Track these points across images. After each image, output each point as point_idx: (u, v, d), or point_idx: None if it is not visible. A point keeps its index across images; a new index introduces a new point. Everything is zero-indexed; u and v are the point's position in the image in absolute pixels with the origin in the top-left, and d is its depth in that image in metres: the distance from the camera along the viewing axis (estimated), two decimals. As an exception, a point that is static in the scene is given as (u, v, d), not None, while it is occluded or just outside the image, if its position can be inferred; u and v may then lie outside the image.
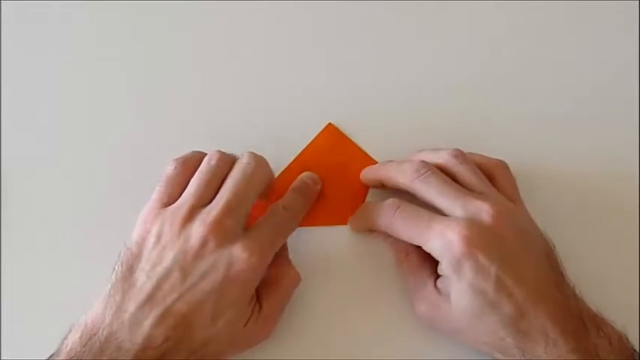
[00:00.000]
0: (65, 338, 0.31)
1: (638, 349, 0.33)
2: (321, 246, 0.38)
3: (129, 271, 0.32)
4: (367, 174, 0.39)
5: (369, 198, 0.39)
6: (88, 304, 0.32)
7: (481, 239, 0.32)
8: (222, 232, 0.32)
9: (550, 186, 0.40)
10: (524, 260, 0.33)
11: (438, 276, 0.34)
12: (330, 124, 0.40)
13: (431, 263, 0.35)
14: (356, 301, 0.37)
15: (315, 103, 0.42)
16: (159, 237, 0.33)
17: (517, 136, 0.41)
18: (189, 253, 0.32)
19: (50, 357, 0.31)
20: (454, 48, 0.45)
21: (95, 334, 0.31)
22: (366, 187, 0.39)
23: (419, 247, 0.35)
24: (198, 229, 0.32)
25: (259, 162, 0.35)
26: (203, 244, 0.32)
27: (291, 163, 0.39)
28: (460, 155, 0.36)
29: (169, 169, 0.35)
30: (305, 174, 0.38)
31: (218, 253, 0.32)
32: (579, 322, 0.32)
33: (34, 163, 0.41)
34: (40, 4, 0.46)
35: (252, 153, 0.36)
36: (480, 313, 0.32)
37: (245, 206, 0.34)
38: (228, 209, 0.33)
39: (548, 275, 0.33)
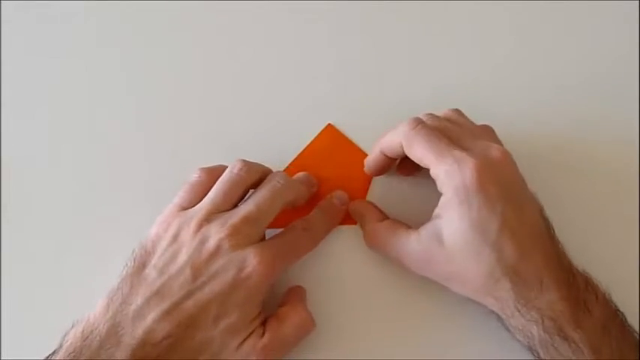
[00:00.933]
0: (67, 333, 0.31)
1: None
2: (321, 245, 0.38)
3: (140, 267, 0.33)
4: (369, 160, 0.38)
5: (369, 197, 0.39)
6: (88, 303, 0.32)
7: (494, 174, 0.32)
8: (239, 237, 0.33)
9: (550, 185, 0.40)
10: (526, 204, 0.33)
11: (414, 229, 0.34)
12: (329, 124, 0.39)
13: (401, 223, 0.36)
14: (354, 300, 0.37)
15: (314, 104, 0.42)
16: (175, 237, 0.33)
17: (517, 137, 0.41)
18: (203, 253, 0.32)
19: (52, 353, 0.31)
20: (454, 48, 0.45)
21: (96, 328, 0.31)
22: (366, 188, 0.39)
23: (382, 218, 0.36)
24: (215, 232, 0.33)
25: (290, 183, 0.36)
26: (218, 246, 0.32)
27: (291, 163, 0.39)
28: (458, 111, 0.37)
29: (194, 176, 0.36)
30: (336, 193, 0.38)
31: (231, 256, 0.32)
32: (570, 274, 0.32)
33: (34, 163, 0.41)
34: (40, 4, 0.46)
35: (284, 174, 0.36)
36: (478, 251, 0.32)
37: (264, 220, 0.34)
38: (247, 220, 0.33)
39: (543, 225, 0.33)
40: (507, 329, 0.33)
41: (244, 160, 0.36)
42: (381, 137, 0.37)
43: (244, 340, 0.32)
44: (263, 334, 0.33)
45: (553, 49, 0.45)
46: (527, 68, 0.44)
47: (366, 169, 0.39)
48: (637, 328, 0.34)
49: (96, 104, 0.43)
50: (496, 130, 0.37)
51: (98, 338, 0.30)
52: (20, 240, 0.39)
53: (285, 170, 0.39)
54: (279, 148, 0.40)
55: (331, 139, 0.39)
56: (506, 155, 0.33)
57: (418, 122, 0.34)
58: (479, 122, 0.38)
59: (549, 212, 0.34)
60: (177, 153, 0.41)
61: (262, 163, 0.37)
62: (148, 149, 0.41)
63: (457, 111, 0.37)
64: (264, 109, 0.42)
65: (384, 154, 0.37)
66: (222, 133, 0.42)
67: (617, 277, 0.33)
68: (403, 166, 0.39)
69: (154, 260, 0.33)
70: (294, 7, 0.46)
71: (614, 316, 0.32)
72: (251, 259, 0.32)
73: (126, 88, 0.44)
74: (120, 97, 0.43)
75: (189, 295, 0.32)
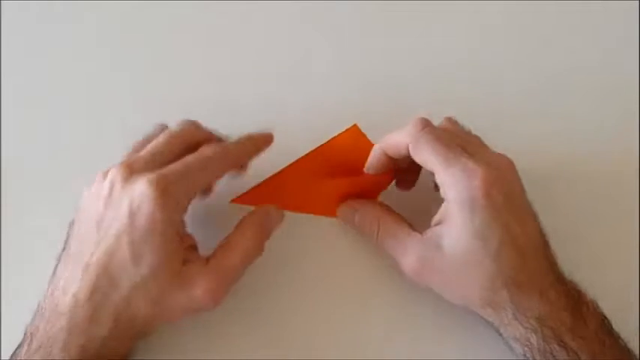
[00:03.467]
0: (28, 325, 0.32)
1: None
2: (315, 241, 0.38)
3: (66, 242, 0.33)
4: (369, 159, 0.37)
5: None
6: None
7: (500, 185, 0.31)
8: (128, 171, 0.31)
9: (550, 187, 0.40)
10: (527, 215, 0.33)
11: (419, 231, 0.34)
12: (355, 124, 0.38)
13: (405, 223, 0.34)
14: (359, 296, 0.37)
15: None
16: (87, 197, 0.33)
17: (517, 142, 0.40)
18: (100, 202, 0.31)
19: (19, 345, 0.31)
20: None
21: (43, 314, 0.31)
22: (377, 193, 0.38)
23: (389, 212, 0.35)
24: (110, 174, 0.32)
25: (226, 154, 0.34)
26: (111, 188, 0.31)
27: (309, 153, 0.38)
28: (453, 119, 0.36)
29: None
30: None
31: (122, 193, 0.31)
32: (564, 284, 0.32)
33: (34, 163, 0.41)
34: (40, 4, 0.45)
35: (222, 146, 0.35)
36: (479, 261, 0.31)
37: (184, 177, 0.32)
38: (146, 157, 0.32)
39: (540, 235, 0.33)
40: (502, 338, 0.33)
41: (191, 121, 0.35)
42: (384, 138, 0.36)
43: (176, 272, 0.31)
44: (207, 263, 0.32)
45: (553, 49, 0.45)
46: (529, 69, 0.44)
47: (366, 170, 0.37)
48: (637, 332, 0.34)
49: (96, 104, 0.43)
50: (502, 133, 0.37)
51: (44, 323, 0.30)
52: (20, 240, 0.38)
53: (301, 158, 0.38)
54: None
55: (353, 140, 0.37)
56: (512, 165, 0.33)
57: (426, 124, 0.34)
58: (489, 121, 0.38)
59: (546, 219, 0.34)
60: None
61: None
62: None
63: (452, 119, 0.36)
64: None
65: (386, 155, 0.35)
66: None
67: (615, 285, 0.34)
68: (402, 180, 0.38)
69: (74, 229, 0.33)
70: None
71: (603, 325, 0.32)
72: (142, 188, 0.30)
73: (127, 88, 0.43)
74: (121, 97, 0.43)
75: (97, 245, 0.31)
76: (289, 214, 0.37)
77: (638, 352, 0.33)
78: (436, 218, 0.33)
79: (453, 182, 0.32)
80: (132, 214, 0.30)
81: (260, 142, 0.36)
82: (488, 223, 0.31)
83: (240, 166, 0.36)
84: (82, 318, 0.30)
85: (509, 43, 0.45)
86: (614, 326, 0.32)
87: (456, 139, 0.34)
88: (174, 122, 0.41)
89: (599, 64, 0.45)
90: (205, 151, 0.33)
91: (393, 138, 0.35)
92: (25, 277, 0.37)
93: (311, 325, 0.36)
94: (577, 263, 0.34)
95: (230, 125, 0.40)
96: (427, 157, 0.33)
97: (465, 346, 0.36)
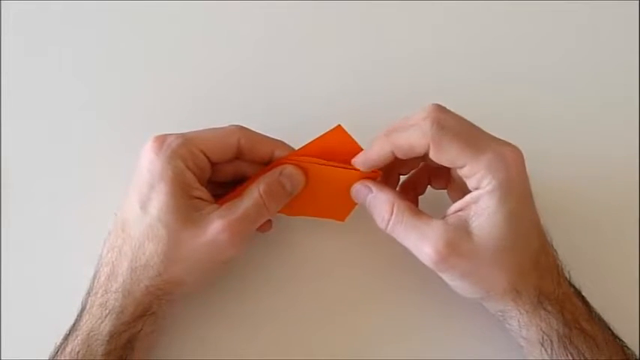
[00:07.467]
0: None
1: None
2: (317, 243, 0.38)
3: None
4: (371, 156, 0.34)
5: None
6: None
7: (523, 168, 0.32)
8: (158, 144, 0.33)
9: (550, 188, 0.39)
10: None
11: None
12: (339, 125, 0.36)
13: (420, 211, 0.33)
14: (346, 299, 0.37)
15: (329, 103, 0.42)
16: None
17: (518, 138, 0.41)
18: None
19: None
20: (465, 54, 0.45)
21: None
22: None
23: (403, 198, 0.33)
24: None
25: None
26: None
27: (291, 153, 0.36)
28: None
29: None
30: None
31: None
32: (565, 272, 0.34)
33: (34, 163, 0.41)
34: (40, 4, 0.45)
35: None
36: (510, 243, 0.31)
37: (202, 143, 0.34)
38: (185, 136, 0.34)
39: None
40: (514, 331, 0.33)
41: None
42: (388, 133, 0.33)
43: (191, 218, 0.32)
44: (220, 208, 0.33)
45: (553, 48, 0.45)
46: (526, 68, 0.44)
47: (361, 163, 0.34)
48: (638, 333, 0.35)
49: (96, 103, 0.43)
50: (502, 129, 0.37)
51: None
52: (20, 239, 0.39)
53: (281, 160, 0.36)
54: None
55: (338, 140, 0.37)
56: (521, 153, 0.32)
57: (438, 118, 0.31)
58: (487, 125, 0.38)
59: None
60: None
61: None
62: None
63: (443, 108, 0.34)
64: (277, 102, 0.43)
65: (393, 155, 0.33)
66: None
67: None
68: (437, 178, 0.37)
69: None
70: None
71: (599, 315, 0.33)
72: (145, 145, 0.33)
73: (128, 87, 0.43)
74: (122, 96, 0.43)
75: (119, 210, 0.34)
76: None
77: (638, 353, 0.33)
78: (457, 205, 0.32)
79: (488, 168, 0.30)
80: (138, 171, 0.33)
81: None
82: (523, 205, 0.31)
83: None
84: (104, 278, 0.32)
85: (507, 43, 0.45)
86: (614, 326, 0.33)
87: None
88: (178, 119, 0.41)
89: (599, 64, 0.44)
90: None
91: (405, 139, 0.32)
92: (25, 277, 0.38)
93: (309, 326, 0.37)
94: (576, 264, 0.34)
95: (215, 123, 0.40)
96: (454, 153, 0.31)
97: (466, 347, 0.36)
